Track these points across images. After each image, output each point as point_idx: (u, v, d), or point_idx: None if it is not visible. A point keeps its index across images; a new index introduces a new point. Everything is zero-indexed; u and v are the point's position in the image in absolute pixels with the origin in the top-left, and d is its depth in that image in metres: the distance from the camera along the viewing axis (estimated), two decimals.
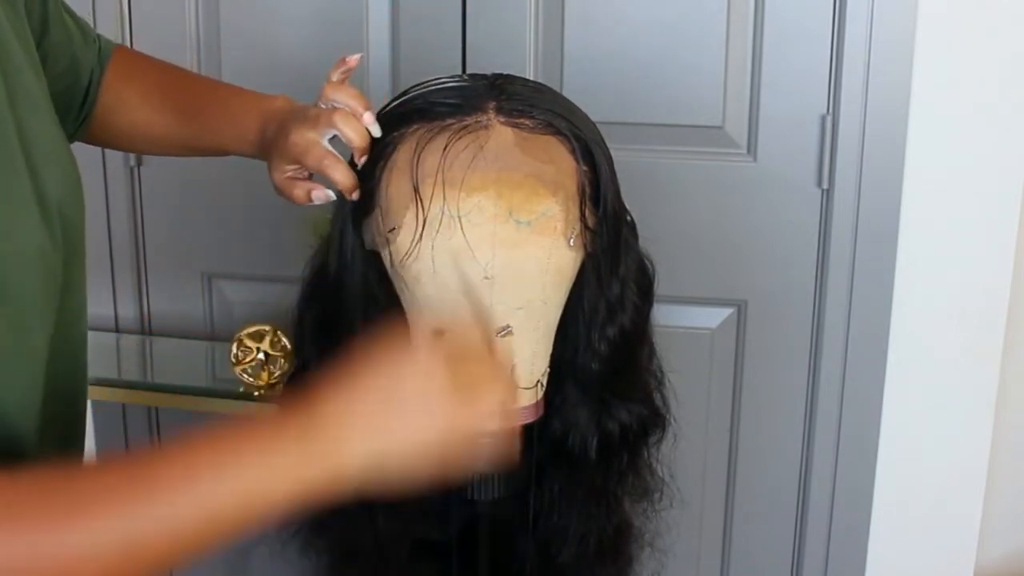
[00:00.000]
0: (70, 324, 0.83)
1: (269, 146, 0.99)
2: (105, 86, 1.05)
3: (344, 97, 0.95)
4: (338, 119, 0.93)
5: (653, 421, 1.09)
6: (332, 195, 0.96)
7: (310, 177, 0.99)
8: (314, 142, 0.94)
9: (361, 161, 0.94)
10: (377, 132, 0.94)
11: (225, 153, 1.07)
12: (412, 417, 0.73)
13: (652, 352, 1.11)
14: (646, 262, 1.06)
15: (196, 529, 0.67)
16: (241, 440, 0.69)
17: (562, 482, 1.07)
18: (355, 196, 0.95)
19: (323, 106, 0.96)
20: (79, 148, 0.97)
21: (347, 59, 0.98)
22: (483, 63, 1.46)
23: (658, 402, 1.10)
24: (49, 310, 0.79)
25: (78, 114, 1.02)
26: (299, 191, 0.98)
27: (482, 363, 0.79)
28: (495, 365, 0.80)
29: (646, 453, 1.10)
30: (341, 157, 0.94)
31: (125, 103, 1.06)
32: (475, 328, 0.81)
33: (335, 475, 0.70)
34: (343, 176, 0.94)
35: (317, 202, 0.97)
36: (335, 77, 0.97)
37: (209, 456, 0.68)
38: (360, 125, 0.94)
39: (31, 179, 0.76)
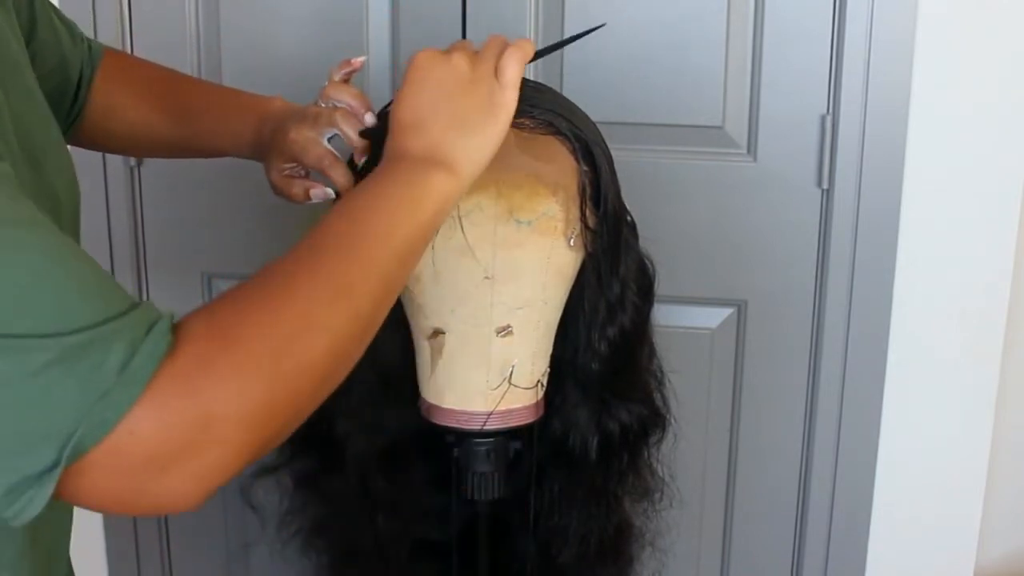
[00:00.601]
0: None
1: (266, 146, 0.99)
2: (96, 88, 1.04)
3: (346, 96, 0.95)
4: (339, 118, 0.93)
5: (653, 421, 1.09)
6: (331, 193, 0.96)
7: (307, 175, 0.99)
8: (314, 141, 0.94)
9: (361, 161, 0.94)
10: None
11: (220, 154, 1.07)
12: (472, 106, 0.82)
13: (652, 352, 1.11)
14: (646, 262, 1.06)
15: (389, 271, 0.75)
16: (385, 195, 0.78)
17: (562, 482, 1.07)
18: None
19: (323, 105, 0.96)
20: (78, 149, 0.97)
21: (352, 60, 0.98)
22: None
23: (658, 402, 1.10)
24: None
25: (67, 115, 1.02)
26: (297, 189, 0.98)
27: (483, 58, 0.85)
28: (493, 56, 0.85)
29: (646, 453, 1.10)
30: (340, 157, 0.94)
31: (118, 105, 1.05)
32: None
33: (459, 183, 0.80)
34: (342, 175, 0.94)
35: (316, 200, 0.97)
36: (337, 77, 0.97)
37: (372, 216, 0.76)
38: (360, 125, 0.94)
39: (35, 173, 0.76)
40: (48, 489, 0.58)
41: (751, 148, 1.55)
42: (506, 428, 0.98)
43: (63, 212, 0.80)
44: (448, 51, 0.84)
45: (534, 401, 0.99)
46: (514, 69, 0.84)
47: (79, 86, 1.02)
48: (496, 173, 0.89)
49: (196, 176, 1.66)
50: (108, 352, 0.59)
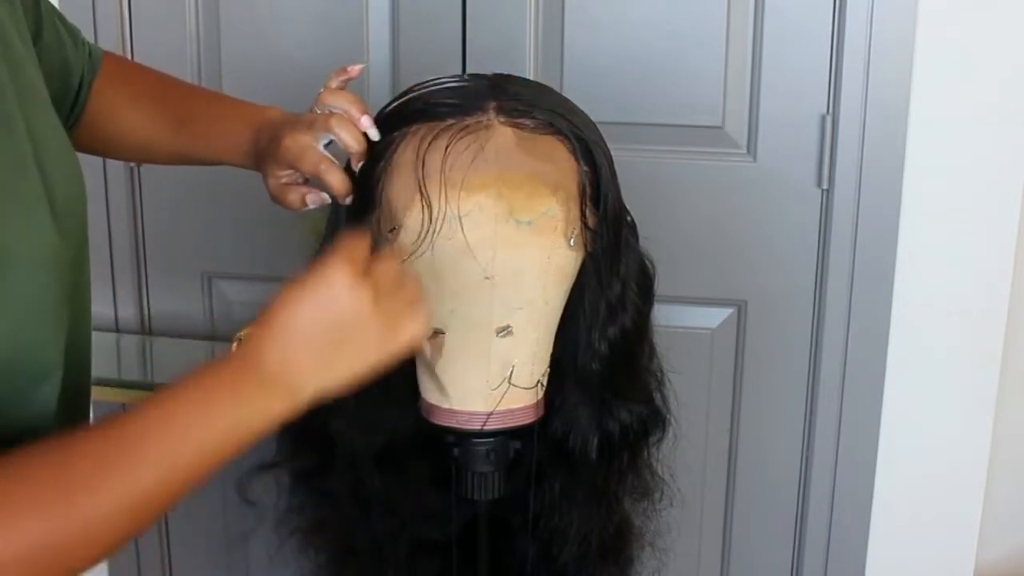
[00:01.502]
0: (79, 324, 0.84)
1: (263, 154, 0.99)
2: (95, 92, 1.04)
3: (341, 102, 0.95)
4: (335, 124, 0.93)
5: (654, 421, 1.09)
6: (327, 198, 0.96)
7: (306, 182, 0.99)
8: (309, 146, 0.94)
9: (358, 166, 0.94)
10: (375, 136, 0.94)
11: (217, 162, 1.07)
12: (350, 347, 0.78)
13: (652, 352, 1.11)
14: (646, 262, 1.06)
15: (175, 479, 0.72)
16: (204, 396, 0.74)
17: (562, 482, 1.07)
18: (348, 201, 0.95)
19: (318, 111, 0.96)
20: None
21: (348, 68, 0.98)
22: (483, 63, 1.46)
23: (658, 402, 1.10)
24: (64, 312, 0.79)
25: (67, 119, 1.02)
26: (293, 196, 0.98)
27: (400, 293, 0.81)
28: (411, 295, 0.82)
29: (646, 453, 1.10)
30: (336, 162, 0.95)
31: (116, 109, 1.05)
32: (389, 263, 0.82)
33: (292, 411, 0.77)
34: (338, 181, 0.94)
35: (312, 206, 0.98)
36: (334, 84, 0.97)
37: (179, 417, 0.73)
38: (357, 130, 0.94)
39: (40, 177, 0.76)
40: None
41: (751, 148, 1.55)
42: (506, 428, 0.98)
43: (62, 218, 0.79)
44: (361, 277, 0.78)
45: (534, 401, 0.99)
46: (414, 332, 0.80)
47: (79, 91, 1.02)
48: (496, 173, 0.90)
49: (196, 176, 1.66)
50: None
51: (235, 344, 1.55)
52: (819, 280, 1.58)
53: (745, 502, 1.69)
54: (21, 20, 0.85)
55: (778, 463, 1.66)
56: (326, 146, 0.95)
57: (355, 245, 0.78)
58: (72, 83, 1.01)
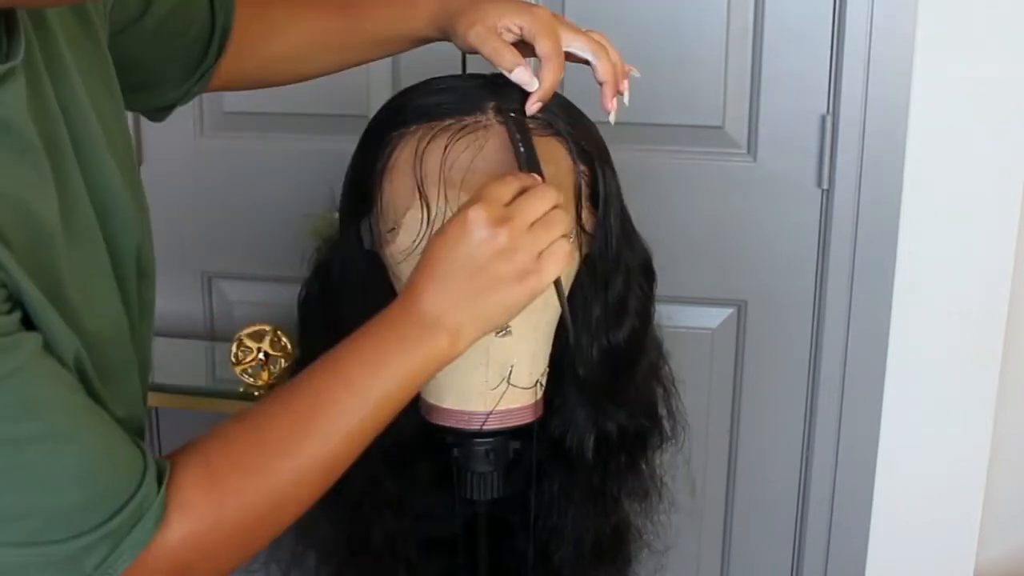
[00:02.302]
0: (144, 358, 0.86)
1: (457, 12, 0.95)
2: (246, 20, 1.01)
3: (580, 43, 0.94)
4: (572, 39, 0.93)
5: (652, 428, 1.09)
6: (536, 82, 0.91)
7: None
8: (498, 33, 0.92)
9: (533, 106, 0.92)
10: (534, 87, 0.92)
11: (391, 43, 1.02)
12: (493, 286, 0.80)
13: (659, 357, 1.10)
14: (645, 262, 1.06)
15: (360, 435, 0.79)
16: (374, 352, 0.79)
17: (560, 482, 1.07)
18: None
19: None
20: None
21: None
22: (482, 63, 1.46)
23: (661, 409, 1.10)
24: (128, 376, 0.81)
25: (200, 63, 0.99)
26: (509, 56, 0.91)
27: (542, 230, 0.81)
28: (553, 232, 0.81)
29: (645, 453, 1.10)
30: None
31: (277, 24, 1.02)
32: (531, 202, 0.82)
33: (457, 351, 0.81)
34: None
35: (516, 79, 0.91)
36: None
37: (356, 377, 0.79)
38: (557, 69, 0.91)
39: (106, 241, 0.77)
40: None
41: (751, 148, 1.55)
42: (505, 428, 0.98)
43: (127, 279, 0.81)
44: (499, 219, 0.79)
45: (533, 401, 0.98)
46: (556, 269, 0.81)
47: (213, 31, 0.99)
48: (496, 173, 0.89)
49: (196, 176, 1.67)
50: (90, 555, 0.67)
51: (235, 344, 1.55)
52: (819, 280, 1.58)
53: (745, 502, 1.69)
54: (96, 41, 0.83)
55: (778, 463, 1.66)
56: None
57: (498, 186, 0.80)
58: (206, 25, 0.98)
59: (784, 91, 1.52)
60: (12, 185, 0.66)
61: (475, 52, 0.93)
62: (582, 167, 0.95)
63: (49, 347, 0.67)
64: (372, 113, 0.98)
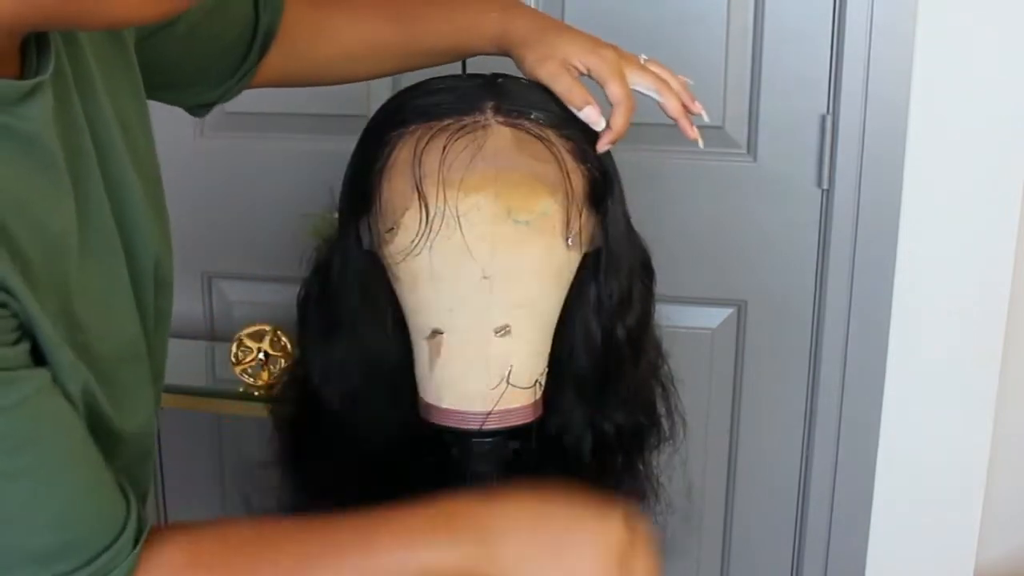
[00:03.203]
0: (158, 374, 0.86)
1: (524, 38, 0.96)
2: (294, 21, 1.00)
3: (646, 80, 0.96)
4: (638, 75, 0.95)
5: (650, 428, 1.09)
6: (603, 122, 0.93)
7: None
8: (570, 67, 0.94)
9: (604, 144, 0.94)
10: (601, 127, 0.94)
11: (446, 55, 1.02)
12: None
13: (658, 356, 1.10)
14: (646, 261, 1.06)
15: None
16: (413, 530, 0.76)
17: (559, 482, 1.07)
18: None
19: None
20: None
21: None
22: (482, 63, 1.46)
23: (660, 408, 1.10)
24: (142, 391, 0.81)
25: (241, 64, 0.98)
26: (580, 96, 0.93)
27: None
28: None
29: (644, 454, 1.10)
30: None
31: (328, 28, 1.01)
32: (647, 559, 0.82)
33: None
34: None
35: (585, 119, 0.93)
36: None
37: (387, 535, 0.76)
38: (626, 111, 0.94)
39: (125, 254, 0.77)
40: None
41: (751, 148, 1.56)
42: (504, 428, 0.98)
43: (144, 295, 0.81)
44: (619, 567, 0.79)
45: (532, 401, 0.98)
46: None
47: (255, 32, 0.98)
48: (494, 173, 0.89)
49: (196, 176, 1.67)
50: None
51: (235, 344, 1.55)
52: (819, 280, 1.58)
53: (745, 502, 1.69)
54: (123, 60, 0.83)
55: (778, 463, 1.66)
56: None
57: (626, 533, 0.79)
58: (249, 25, 0.97)
59: (784, 91, 1.52)
60: (32, 199, 0.66)
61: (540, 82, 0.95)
62: (582, 167, 0.95)
63: (57, 379, 0.66)
64: (372, 113, 0.98)
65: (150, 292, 0.82)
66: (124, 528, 0.69)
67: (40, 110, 0.67)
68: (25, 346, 0.64)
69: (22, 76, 0.67)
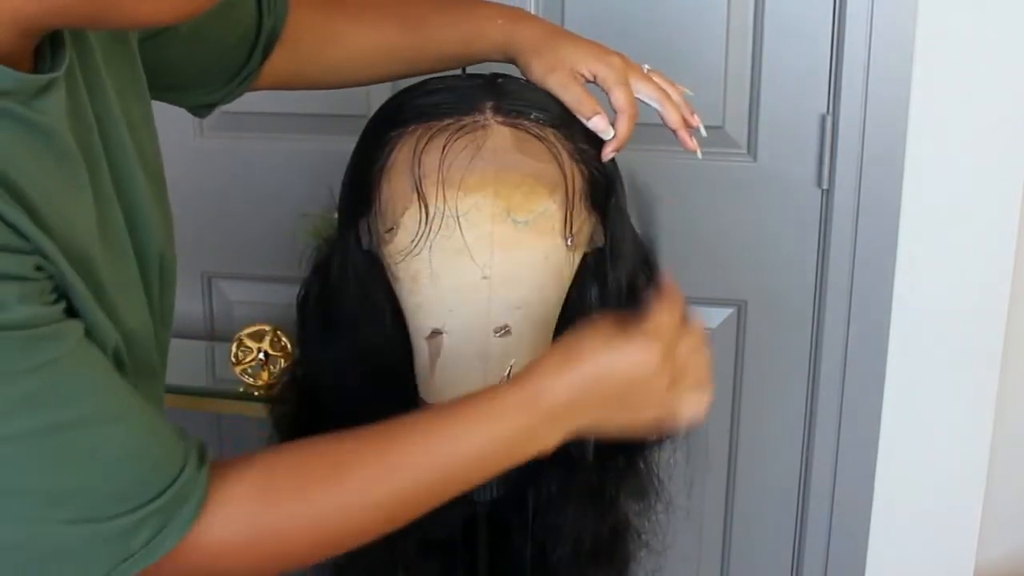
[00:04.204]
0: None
1: (530, 45, 0.97)
2: (301, 24, 1.01)
3: (649, 90, 0.97)
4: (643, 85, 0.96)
5: None
6: (612, 130, 0.95)
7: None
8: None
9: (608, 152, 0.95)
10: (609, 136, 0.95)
11: (452, 61, 1.02)
12: (631, 409, 0.82)
13: None
14: (648, 260, 1.06)
15: (430, 487, 0.78)
16: (485, 413, 0.79)
17: (559, 482, 1.07)
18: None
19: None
20: None
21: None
22: (482, 64, 1.46)
23: None
24: (153, 382, 0.83)
25: (243, 67, 0.99)
26: (589, 105, 0.94)
27: (694, 369, 0.84)
28: (703, 374, 0.85)
29: (645, 454, 1.10)
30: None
31: (336, 33, 1.02)
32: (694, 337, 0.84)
33: (559, 444, 0.81)
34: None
35: (594, 128, 0.95)
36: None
37: (444, 422, 0.79)
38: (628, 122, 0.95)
39: (135, 253, 0.79)
40: None
41: (751, 148, 1.55)
42: None
43: (152, 289, 0.82)
44: (668, 357, 0.81)
45: None
46: (689, 418, 0.85)
47: (258, 35, 0.98)
48: (494, 173, 0.89)
49: (196, 176, 1.67)
50: (139, 532, 0.68)
51: (235, 344, 1.55)
52: (819, 280, 1.58)
53: (745, 502, 1.69)
54: (128, 59, 0.84)
55: (778, 463, 1.66)
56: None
57: (669, 318, 0.82)
58: (252, 27, 0.98)
59: (784, 91, 1.52)
60: (56, 190, 0.68)
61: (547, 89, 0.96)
62: (582, 167, 0.95)
63: (91, 336, 0.68)
64: (372, 113, 0.99)
65: (156, 288, 0.83)
66: (188, 452, 0.72)
67: (55, 105, 0.68)
68: (63, 305, 0.66)
69: (35, 71, 0.68)
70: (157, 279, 0.83)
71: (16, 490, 0.65)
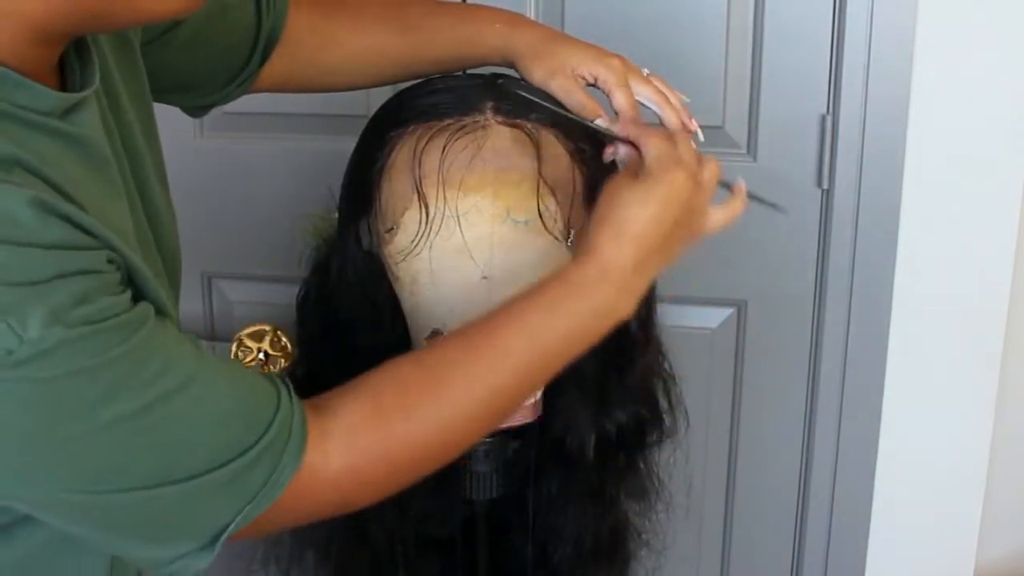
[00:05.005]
0: None
1: (532, 48, 0.98)
2: (300, 28, 1.02)
3: (648, 92, 0.98)
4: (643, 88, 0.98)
5: (652, 424, 1.09)
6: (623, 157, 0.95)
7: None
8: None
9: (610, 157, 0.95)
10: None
11: (451, 64, 1.03)
12: (678, 239, 0.85)
13: (658, 354, 1.10)
14: None
15: (528, 374, 0.81)
16: (553, 299, 0.81)
17: (559, 482, 1.07)
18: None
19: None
20: None
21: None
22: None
23: (662, 405, 1.10)
24: None
25: (243, 68, 1.00)
26: (591, 108, 0.95)
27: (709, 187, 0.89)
28: (712, 189, 0.89)
29: (645, 453, 1.10)
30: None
31: (335, 37, 1.03)
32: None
33: (632, 305, 0.84)
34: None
35: (601, 129, 0.95)
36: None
37: (525, 310, 0.81)
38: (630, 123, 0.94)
39: (157, 249, 0.81)
40: (206, 560, 0.74)
41: (751, 148, 1.55)
42: (504, 428, 0.98)
43: (176, 284, 0.85)
44: (696, 177, 0.85)
45: (532, 401, 0.99)
46: (718, 220, 0.90)
47: (257, 37, 0.99)
48: (494, 173, 0.90)
49: (196, 176, 1.67)
50: (255, 473, 0.72)
51: (235, 344, 1.55)
52: (819, 280, 1.58)
53: (745, 502, 1.69)
54: (135, 63, 0.85)
55: (778, 463, 1.66)
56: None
57: (684, 148, 0.86)
58: (251, 30, 0.99)
59: (784, 91, 1.52)
60: (100, 197, 0.70)
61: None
62: (582, 167, 0.95)
63: (159, 313, 0.71)
64: (372, 113, 0.99)
65: (174, 288, 0.86)
66: (279, 395, 0.75)
67: (90, 116, 0.71)
68: (130, 292, 0.69)
69: (64, 85, 0.71)
70: (173, 276, 0.86)
71: (125, 466, 0.68)
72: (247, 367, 0.73)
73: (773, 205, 0.96)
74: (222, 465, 0.70)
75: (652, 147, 0.84)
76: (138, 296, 0.69)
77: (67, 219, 0.63)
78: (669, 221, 0.83)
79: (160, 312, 0.70)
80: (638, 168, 0.84)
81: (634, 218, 0.82)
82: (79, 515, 0.70)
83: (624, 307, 0.83)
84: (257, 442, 0.71)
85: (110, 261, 0.67)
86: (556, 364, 0.82)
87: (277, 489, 0.72)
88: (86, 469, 0.67)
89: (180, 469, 0.69)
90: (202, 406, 0.70)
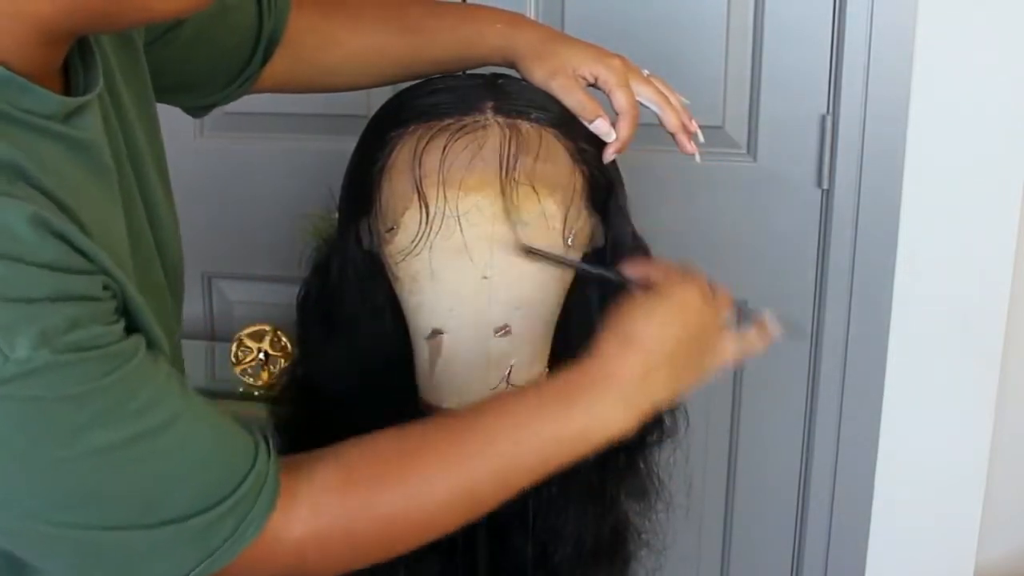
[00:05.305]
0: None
1: (533, 48, 0.97)
2: (301, 29, 1.01)
3: (648, 93, 0.98)
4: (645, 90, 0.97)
5: (652, 423, 1.09)
6: (614, 133, 0.95)
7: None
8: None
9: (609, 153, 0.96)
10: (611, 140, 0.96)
11: (451, 64, 1.02)
12: (697, 361, 0.85)
13: None
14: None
15: (507, 475, 0.79)
16: (555, 401, 0.80)
17: (559, 482, 1.07)
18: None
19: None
20: None
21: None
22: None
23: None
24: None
25: (245, 68, 1.00)
26: (591, 109, 0.95)
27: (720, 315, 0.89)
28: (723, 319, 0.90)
29: (645, 453, 1.10)
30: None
31: (333, 37, 1.03)
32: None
33: (637, 423, 0.81)
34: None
35: (596, 131, 0.95)
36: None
37: (512, 409, 0.80)
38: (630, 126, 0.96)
39: (159, 257, 0.80)
40: None
41: (751, 148, 1.55)
42: None
43: (177, 295, 0.84)
44: (706, 298, 0.86)
45: None
46: (732, 350, 0.90)
47: (259, 37, 0.99)
48: (494, 173, 0.89)
49: (196, 176, 1.67)
50: (222, 527, 0.70)
51: (235, 344, 1.55)
52: (819, 280, 1.58)
53: (745, 502, 1.69)
54: (137, 63, 0.85)
55: (778, 463, 1.66)
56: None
57: (696, 272, 0.88)
58: (253, 30, 0.98)
59: (784, 91, 1.52)
60: (97, 204, 0.69)
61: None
62: (582, 167, 0.95)
63: (151, 347, 0.70)
64: (372, 113, 0.98)
65: (175, 294, 0.85)
66: (257, 452, 0.73)
67: (92, 120, 0.70)
68: (123, 322, 0.68)
69: (68, 89, 0.70)
70: (175, 281, 0.85)
71: (101, 499, 0.66)
72: (230, 424, 0.72)
73: (793, 334, 0.99)
74: (196, 514, 0.69)
75: (662, 269, 0.86)
76: (131, 327, 0.68)
77: (66, 240, 0.62)
78: (677, 335, 0.82)
79: (152, 345, 0.69)
80: (647, 289, 0.86)
81: (640, 328, 0.81)
82: (48, 548, 0.68)
83: (623, 419, 0.81)
84: (232, 493, 0.70)
85: (106, 287, 0.66)
86: (538, 469, 0.79)
87: (239, 545, 0.71)
88: (62, 499, 0.66)
89: (155, 512, 0.68)
90: (184, 447, 0.69)
